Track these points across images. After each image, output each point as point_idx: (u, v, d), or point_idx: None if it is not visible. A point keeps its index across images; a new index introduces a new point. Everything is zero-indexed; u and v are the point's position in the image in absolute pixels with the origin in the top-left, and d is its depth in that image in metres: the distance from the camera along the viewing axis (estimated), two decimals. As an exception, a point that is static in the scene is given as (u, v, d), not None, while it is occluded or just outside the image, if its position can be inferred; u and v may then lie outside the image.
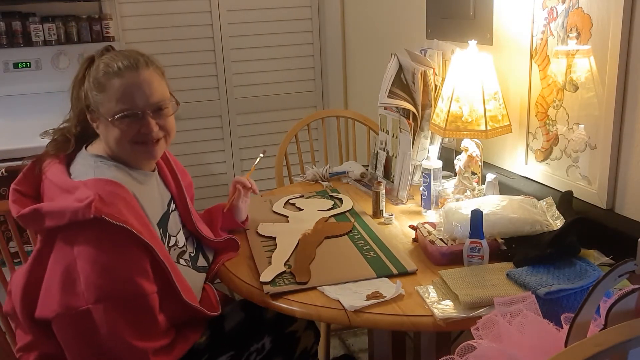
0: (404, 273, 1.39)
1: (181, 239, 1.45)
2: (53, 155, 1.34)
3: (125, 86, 1.28)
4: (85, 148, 1.36)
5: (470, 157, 1.75)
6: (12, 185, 1.30)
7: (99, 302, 1.16)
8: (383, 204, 1.77)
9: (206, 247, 1.54)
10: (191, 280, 1.37)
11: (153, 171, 1.42)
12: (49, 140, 1.39)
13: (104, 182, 1.24)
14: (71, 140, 1.36)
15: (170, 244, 1.39)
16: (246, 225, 1.70)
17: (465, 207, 1.51)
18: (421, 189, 1.79)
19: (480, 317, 1.06)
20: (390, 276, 1.38)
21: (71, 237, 1.19)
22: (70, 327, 1.19)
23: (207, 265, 1.50)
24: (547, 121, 1.66)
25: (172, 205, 1.47)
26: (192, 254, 1.47)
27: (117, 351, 1.19)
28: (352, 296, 1.28)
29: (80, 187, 1.22)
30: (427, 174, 1.75)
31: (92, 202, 1.15)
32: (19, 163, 2.19)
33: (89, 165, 1.30)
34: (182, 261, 1.41)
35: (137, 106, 1.29)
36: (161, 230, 1.37)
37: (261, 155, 1.76)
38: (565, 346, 0.89)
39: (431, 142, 1.92)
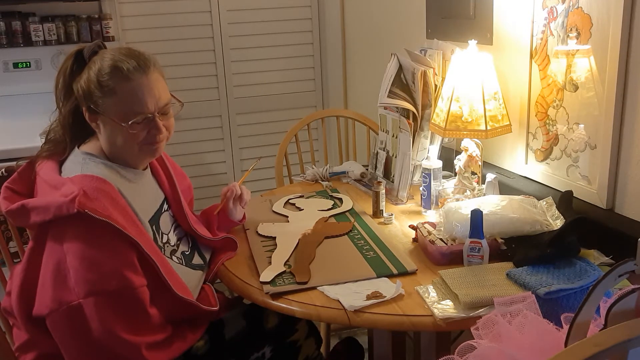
0: (404, 273, 1.39)
1: (173, 237, 1.45)
2: (47, 157, 1.35)
3: (137, 91, 1.28)
4: (78, 147, 1.36)
5: (470, 157, 1.75)
6: (5, 184, 1.31)
7: (89, 296, 1.17)
8: (383, 204, 1.77)
9: (203, 246, 1.55)
10: (185, 277, 1.37)
11: (144, 169, 1.43)
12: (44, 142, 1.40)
13: (89, 178, 1.25)
14: (64, 142, 1.36)
15: (163, 241, 1.41)
16: (244, 222, 1.70)
17: (465, 207, 1.51)
18: (421, 188, 1.79)
19: (480, 317, 1.06)
20: (390, 276, 1.38)
21: (60, 233, 1.20)
22: (63, 323, 1.19)
23: (203, 263, 1.50)
24: (547, 121, 1.66)
25: (165, 206, 1.47)
26: (187, 253, 1.47)
27: (110, 346, 1.19)
28: (352, 296, 1.28)
29: (67, 183, 1.23)
30: (427, 173, 1.75)
31: (76, 197, 1.16)
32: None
33: (77, 162, 1.32)
34: (174, 258, 1.41)
35: (150, 110, 1.30)
36: (154, 227, 1.38)
37: (256, 162, 1.75)
38: (565, 346, 0.89)
39: (431, 142, 1.91)
